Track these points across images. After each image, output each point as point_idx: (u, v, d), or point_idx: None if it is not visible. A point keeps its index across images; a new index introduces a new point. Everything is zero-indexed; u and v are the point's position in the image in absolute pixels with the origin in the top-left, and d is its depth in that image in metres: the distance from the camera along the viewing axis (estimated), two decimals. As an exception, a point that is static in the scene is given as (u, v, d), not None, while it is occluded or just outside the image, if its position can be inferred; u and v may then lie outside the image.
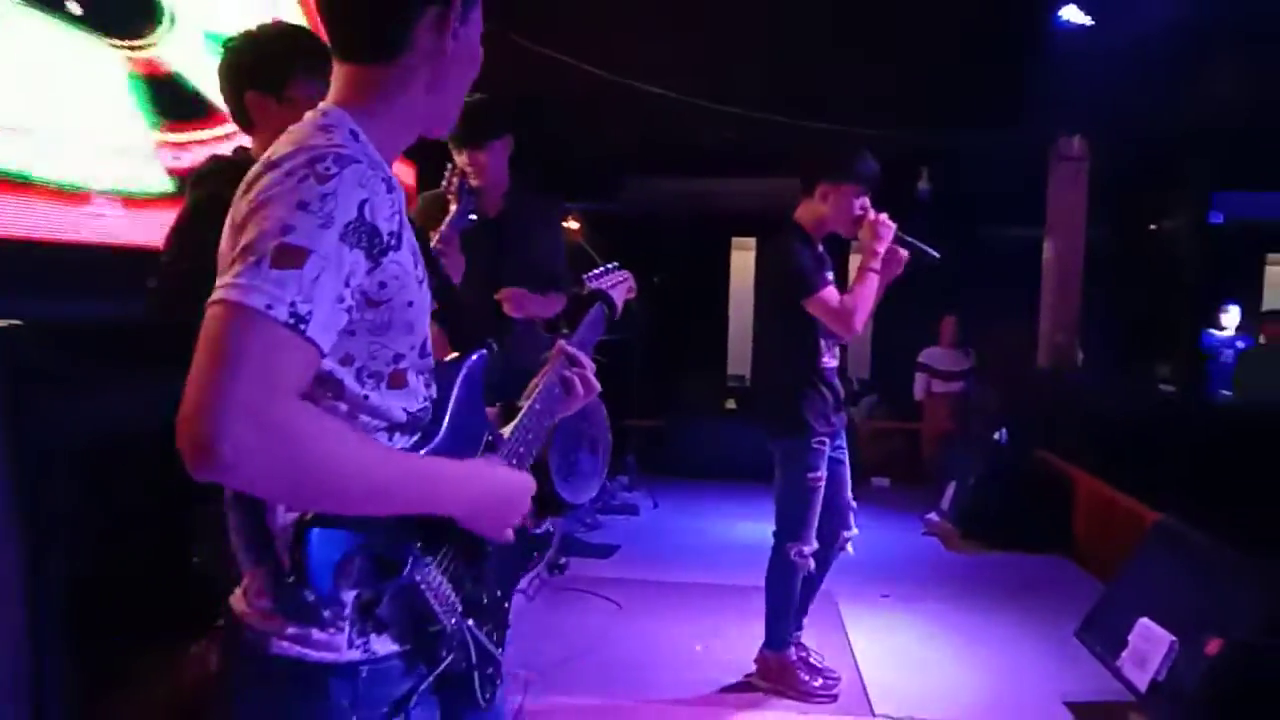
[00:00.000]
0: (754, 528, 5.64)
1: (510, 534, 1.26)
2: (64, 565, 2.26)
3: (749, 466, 6.73)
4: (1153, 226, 8.92)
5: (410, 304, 1.16)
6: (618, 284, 1.87)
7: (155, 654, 2.79)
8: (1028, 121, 6.62)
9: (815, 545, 3.39)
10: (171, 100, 3.13)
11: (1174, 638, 2.99)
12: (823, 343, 3.37)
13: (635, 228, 8.77)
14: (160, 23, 3.14)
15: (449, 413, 1.25)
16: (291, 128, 1.17)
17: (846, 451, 3.55)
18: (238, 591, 1.22)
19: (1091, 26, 5.74)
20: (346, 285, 1.05)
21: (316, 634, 1.13)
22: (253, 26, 2.06)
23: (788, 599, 3.45)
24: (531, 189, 3.20)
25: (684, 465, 7.36)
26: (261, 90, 2.01)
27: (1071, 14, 5.76)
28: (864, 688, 3.56)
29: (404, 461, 1.14)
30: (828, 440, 3.37)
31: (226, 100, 2.07)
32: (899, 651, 3.95)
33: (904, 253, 3.34)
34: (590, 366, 1.56)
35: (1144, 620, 3.14)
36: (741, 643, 3.72)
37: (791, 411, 3.31)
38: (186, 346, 1.85)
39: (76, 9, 2.79)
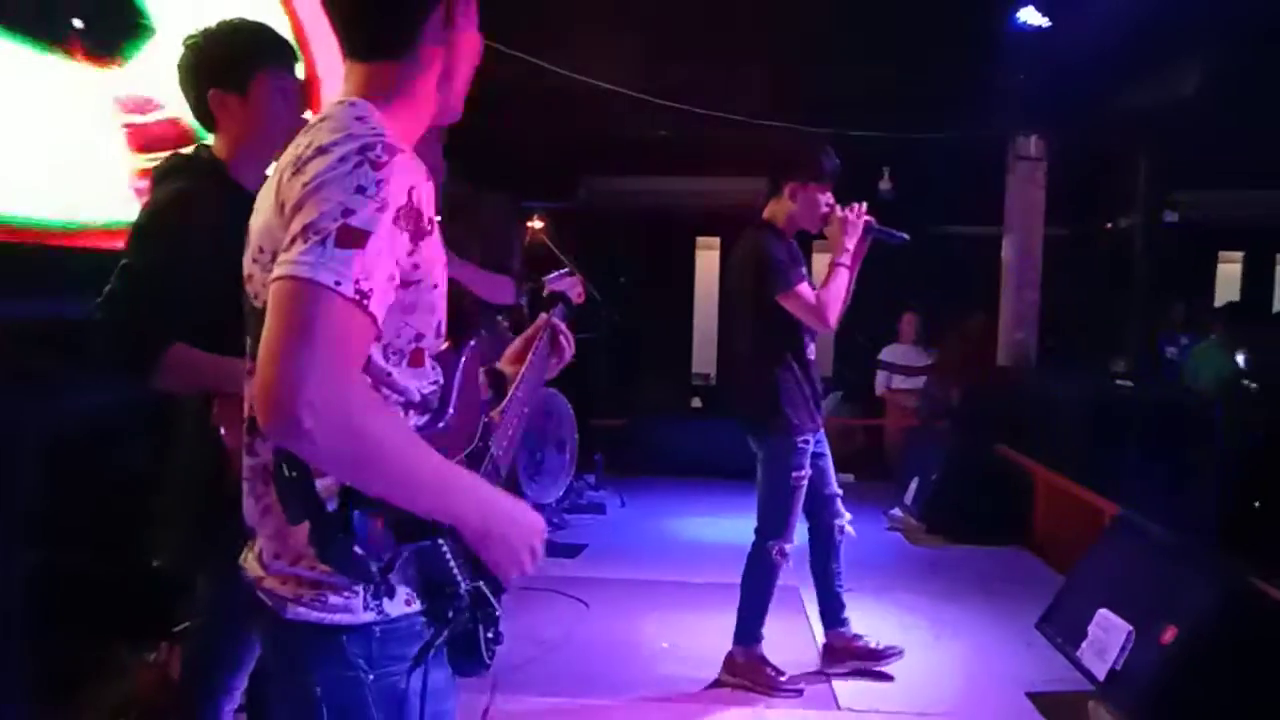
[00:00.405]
0: (720, 525, 5.68)
1: (516, 574, 1.28)
2: (21, 564, 2.23)
3: (715, 465, 6.79)
4: (1108, 225, 9.08)
5: (435, 286, 1.22)
6: (572, 287, 2.03)
7: (112, 655, 2.75)
8: (986, 122, 6.72)
9: (794, 543, 3.43)
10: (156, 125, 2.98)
11: (1131, 627, 3.05)
12: (805, 336, 3.41)
13: (599, 227, 8.77)
14: (144, 41, 2.99)
15: (454, 397, 1.31)
16: (327, 114, 1.20)
17: (826, 444, 3.61)
18: (249, 557, 1.27)
19: (1049, 28, 5.83)
20: (396, 265, 1.12)
21: (332, 598, 1.18)
22: (212, 23, 2.04)
23: (763, 596, 3.48)
24: (481, 185, 3.20)
25: (650, 464, 7.38)
26: (224, 88, 1.99)
27: (1029, 15, 5.84)
28: (829, 682, 3.59)
29: (443, 465, 1.16)
30: (811, 438, 3.41)
31: (187, 97, 2.04)
32: (864, 645, 3.99)
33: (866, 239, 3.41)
34: (568, 334, 1.74)
35: (1103, 610, 3.20)
36: (708, 640, 3.74)
37: (776, 409, 3.36)
38: (144, 346, 1.83)
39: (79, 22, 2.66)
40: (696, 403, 9.15)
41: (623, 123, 7.04)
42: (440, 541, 1.19)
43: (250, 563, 1.27)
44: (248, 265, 1.25)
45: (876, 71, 6.16)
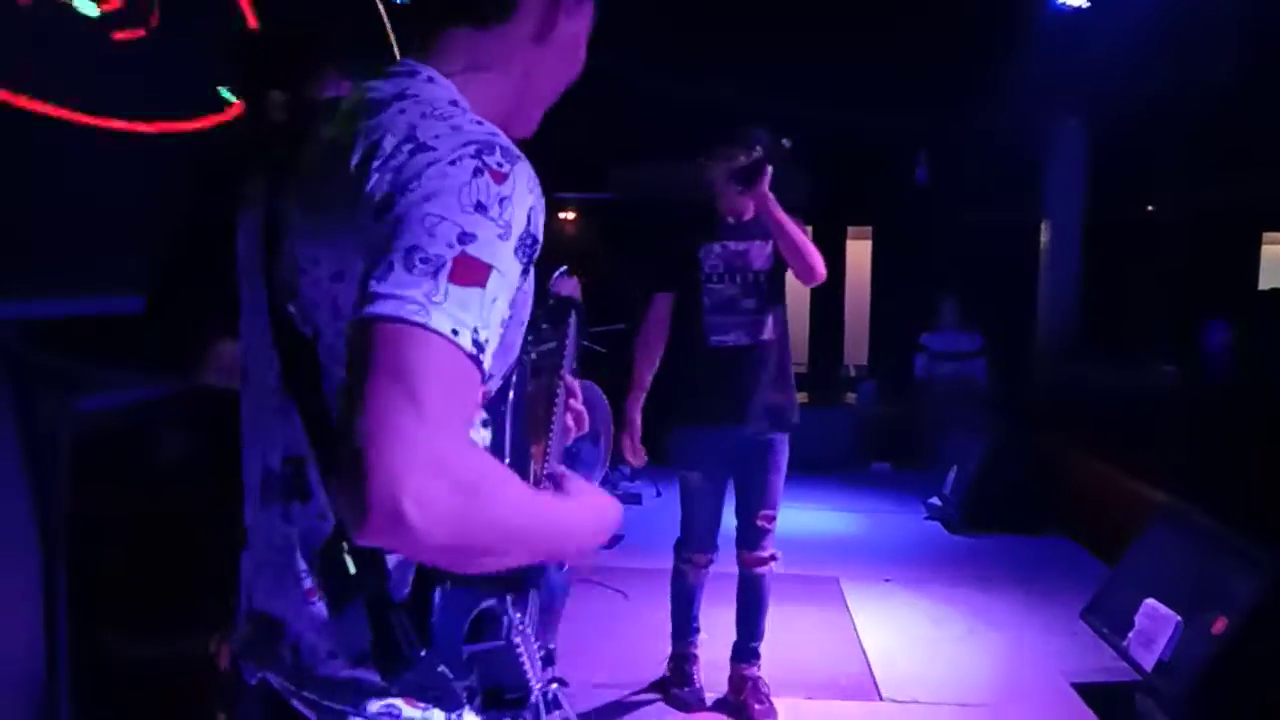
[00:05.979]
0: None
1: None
2: (75, 563, 2.26)
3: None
4: (1149, 208, 8.92)
5: (522, 323, 1.02)
6: (574, 288, 1.78)
7: (165, 653, 2.79)
8: (1026, 103, 6.62)
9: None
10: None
11: (1180, 618, 3.00)
12: (705, 323, 3.41)
13: (629, 217, 8.75)
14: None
15: (508, 448, 1.07)
16: (414, 95, 0.96)
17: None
18: (263, 654, 1.01)
19: (1088, 8, 5.73)
20: (509, 307, 0.91)
21: (407, 710, 0.97)
22: (274, 26, 2.04)
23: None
24: None
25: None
26: (285, 91, 1.99)
27: (1069, -4, 5.75)
28: (870, 672, 3.57)
29: (549, 504, 1.00)
30: (710, 432, 3.47)
31: (243, 99, 2.05)
32: (904, 636, 3.96)
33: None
34: (579, 397, 1.44)
35: (1150, 601, 3.16)
36: (748, 629, 3.72)
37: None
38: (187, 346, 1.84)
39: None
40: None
41: (651, 109, 7.01)
42: (515, 641, 1.00)
43: (271, 662, 0.99)
44: (283, 271, 0.96)
45: (914, 55, 6.09)
